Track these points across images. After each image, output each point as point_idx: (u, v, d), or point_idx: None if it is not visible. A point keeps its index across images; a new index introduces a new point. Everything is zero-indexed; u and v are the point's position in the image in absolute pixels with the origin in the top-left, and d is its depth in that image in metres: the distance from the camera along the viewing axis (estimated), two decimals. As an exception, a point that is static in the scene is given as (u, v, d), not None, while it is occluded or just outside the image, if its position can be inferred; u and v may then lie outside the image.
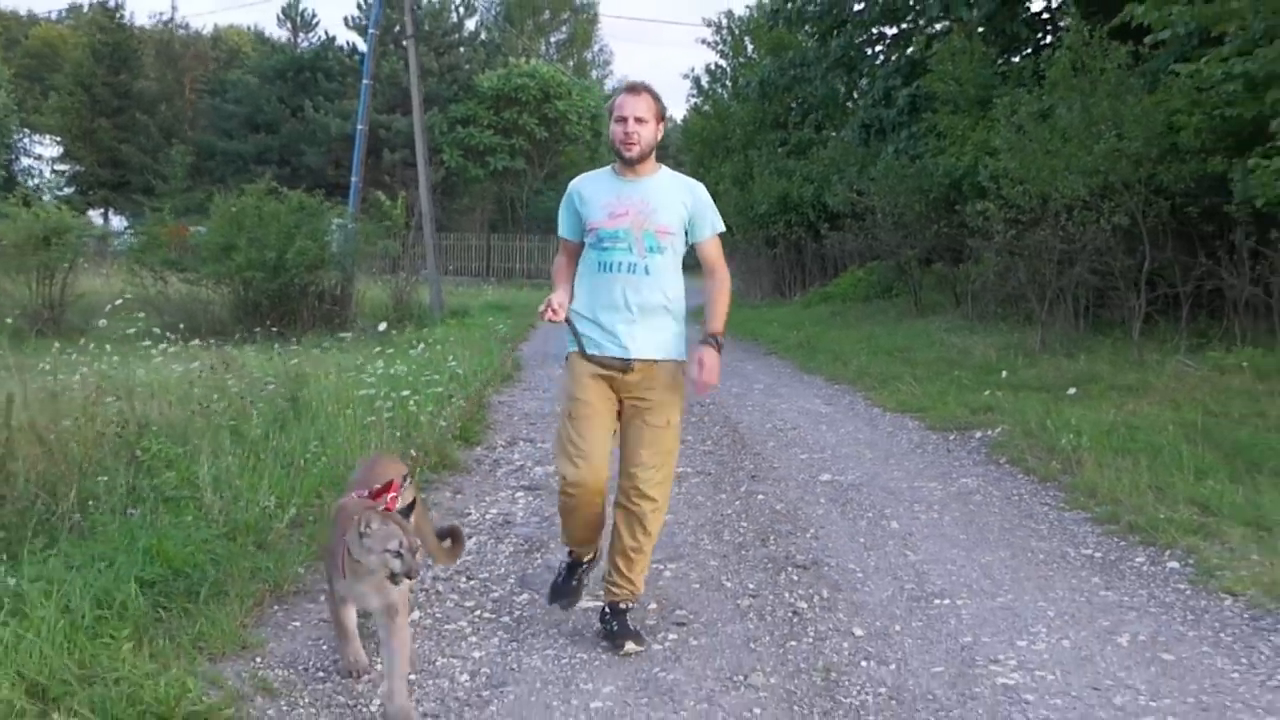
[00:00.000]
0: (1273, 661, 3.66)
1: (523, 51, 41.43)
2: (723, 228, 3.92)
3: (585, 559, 4.07)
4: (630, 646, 3.76)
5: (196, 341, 9.86)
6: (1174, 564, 4.73)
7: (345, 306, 17.01)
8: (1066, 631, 3.95)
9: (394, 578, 3.15)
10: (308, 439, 5.83)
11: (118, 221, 35.98)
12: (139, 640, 3.33)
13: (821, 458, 7.19)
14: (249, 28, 50.84)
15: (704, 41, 34.32)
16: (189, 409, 6.18)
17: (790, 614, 4.18)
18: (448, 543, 4.09)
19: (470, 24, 39.59)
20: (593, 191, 3.84)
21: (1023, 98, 13.48)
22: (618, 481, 3.81)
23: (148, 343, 8.10)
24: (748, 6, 34.06)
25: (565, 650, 3.82)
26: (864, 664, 3.68)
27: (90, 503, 4.52)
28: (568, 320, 3.74)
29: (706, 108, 33.30)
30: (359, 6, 37.30)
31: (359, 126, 18.93)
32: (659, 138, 3.79)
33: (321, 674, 3.53)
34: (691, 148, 32.49)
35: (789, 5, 20.49)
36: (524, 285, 31.43)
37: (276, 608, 4.05)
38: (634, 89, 3.78)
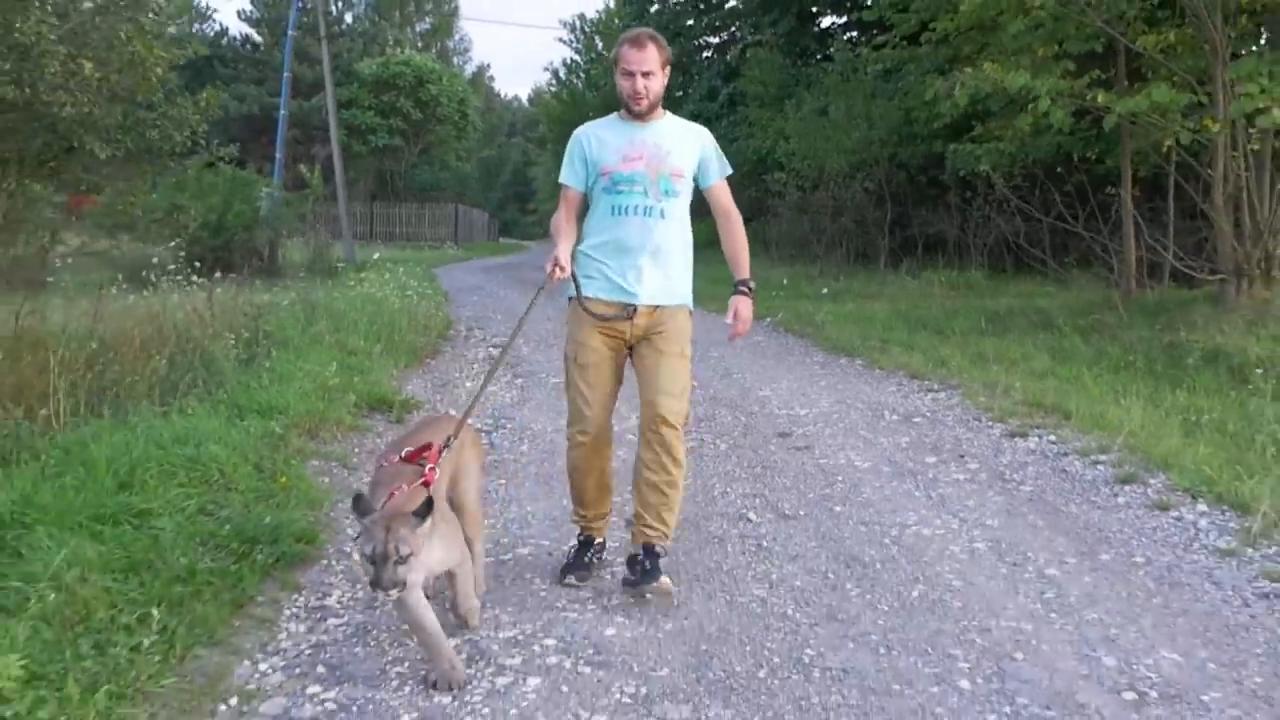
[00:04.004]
0: (886, 387, 7.25)
1: (395, 42, 43.40)
2: (730, 170, 3.67)
3: (597, 539, 3.67)
4: (665, 583, 3.36)
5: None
6: (859, 361, 8.36)
7: (274, 260, 19.52)
8: (795, 383, 7.48)
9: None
10: (358, 318, 8.82)
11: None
12: (360, 376, 6.48)
13: (670, 333, 10.60)
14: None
15: (560, 40, 37.27)
16: (262, 308, 9.07)
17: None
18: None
19: (349, 17, 41.39)
20: (604, 136, 3.51)
21: (806, 98, 17.17)
22: (641, 416, 3.46)
23: (180, 278, 10.74)
24: (598, 10, 37.21)
25: (549, 401, 7.08)
26: (705, 404, 7.10)
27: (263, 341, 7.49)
28: (573, 274, 3.44)
29: (564, 95, 36.29)
30: (251, 2, 38.76)
31: (281, 112, 21.31)
32: (665, 84, 3.46)
33: (435, 394, 6.70)
34: (552, 127, 35.48)
35: (635, 23, 23.80)
36: (405, 246, 33.88)
37: (396, 383, 7.17)
38: (638, 42, 3.38)
